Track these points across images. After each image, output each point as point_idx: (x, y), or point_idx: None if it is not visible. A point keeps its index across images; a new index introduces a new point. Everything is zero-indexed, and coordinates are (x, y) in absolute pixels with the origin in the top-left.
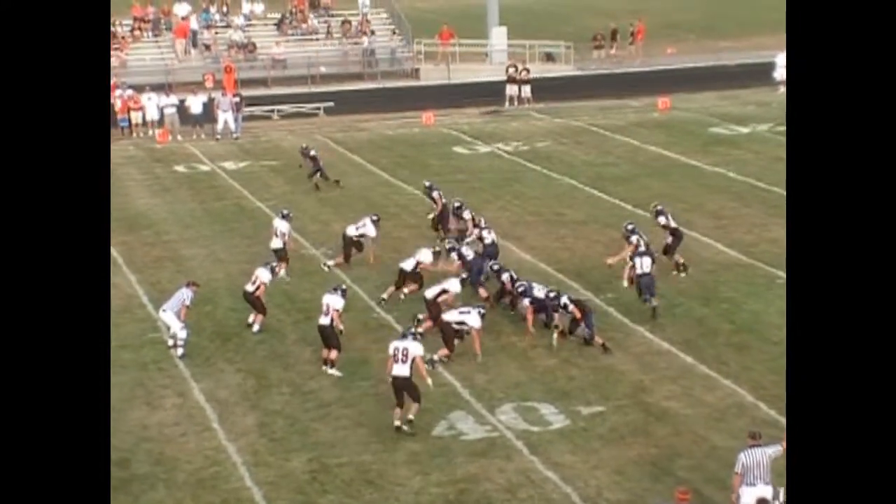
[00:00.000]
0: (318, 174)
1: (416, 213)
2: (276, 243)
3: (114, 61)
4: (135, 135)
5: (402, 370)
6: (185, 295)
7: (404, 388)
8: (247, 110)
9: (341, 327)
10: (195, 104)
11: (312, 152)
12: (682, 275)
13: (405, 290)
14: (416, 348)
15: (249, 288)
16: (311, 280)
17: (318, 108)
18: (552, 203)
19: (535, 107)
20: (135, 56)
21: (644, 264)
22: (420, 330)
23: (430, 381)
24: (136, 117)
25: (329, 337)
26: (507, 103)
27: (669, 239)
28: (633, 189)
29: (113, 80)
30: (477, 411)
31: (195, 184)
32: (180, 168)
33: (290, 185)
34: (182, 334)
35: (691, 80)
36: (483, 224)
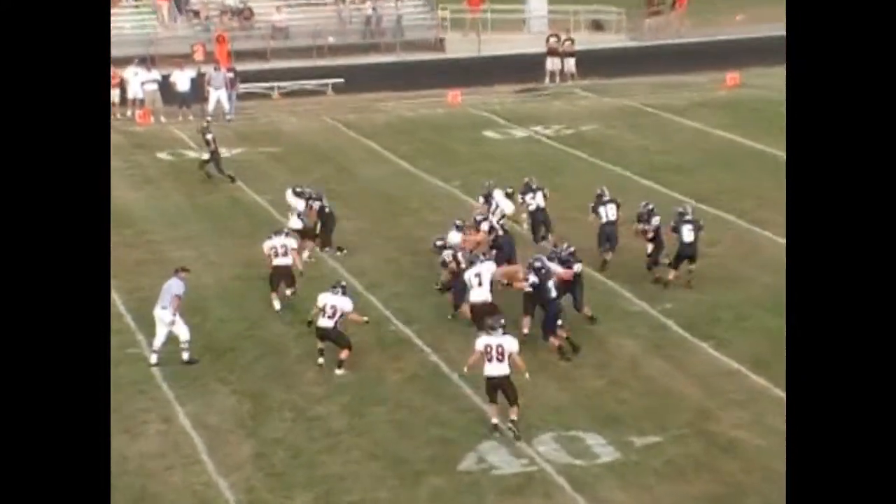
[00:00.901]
0: (213, 165)
1: (441, 208)
2: (295, 223)
3: None
4: (112, 116)
5: (499, 369)
6: (173, 286)
7: (502, 388)
8: (242, 87)
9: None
10: (182, 80)
11: (210, 135)
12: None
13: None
14: (511, 344)
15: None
16: (318, 287)
17: (326, 86)
18: None
19: (581, 83)
20: (114, 23)
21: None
22: (503, 321)
23: (527, 374)
24: (112, 95)
25: (336, 339)
26: (547, 79)
27: (650, 247)
28: (695, 181)
29: None
30: (510, 441)
31: (182, 174)
32: (164, 155)
33: (294, 176)
34: (185, 334)
35: (764, 51)
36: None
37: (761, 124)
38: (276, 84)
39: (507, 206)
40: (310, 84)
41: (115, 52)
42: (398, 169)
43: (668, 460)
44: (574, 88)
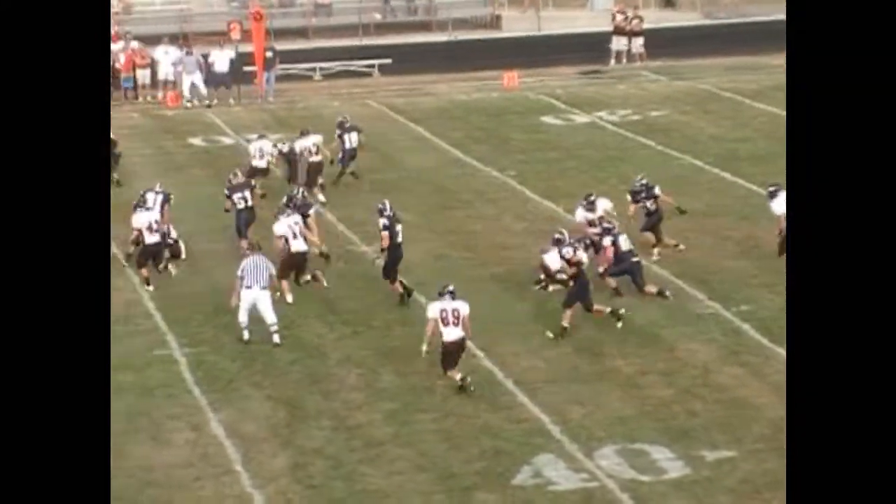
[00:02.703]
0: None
1: (495, 200)
2: (260, 163)
3: (116, 6)
4: (140, 98)
5: (456, 333)
6: (263, 264)
7: (459, 352)
8: (281, 68)
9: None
10: (221, 60)
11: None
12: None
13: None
14: (464, 307)
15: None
16: (357, 285)
17: (372, 67)
18: (669, 188)
19: (650, 65)
20: None
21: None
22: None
23: None
24: (142, 76)
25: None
26: (612, 61)
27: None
28: (774, 171)
29: (114, 30)
30: (570, 454)
31: (215, 161)
32: (197, 141)
33: (335, 164)
34: (272, 316)
35: None
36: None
37: None
38: (317, 65)
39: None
40: (354, 65)
41: (145, 29)
42: (449, 157)
43: (742, 477)
44: (642, 70)
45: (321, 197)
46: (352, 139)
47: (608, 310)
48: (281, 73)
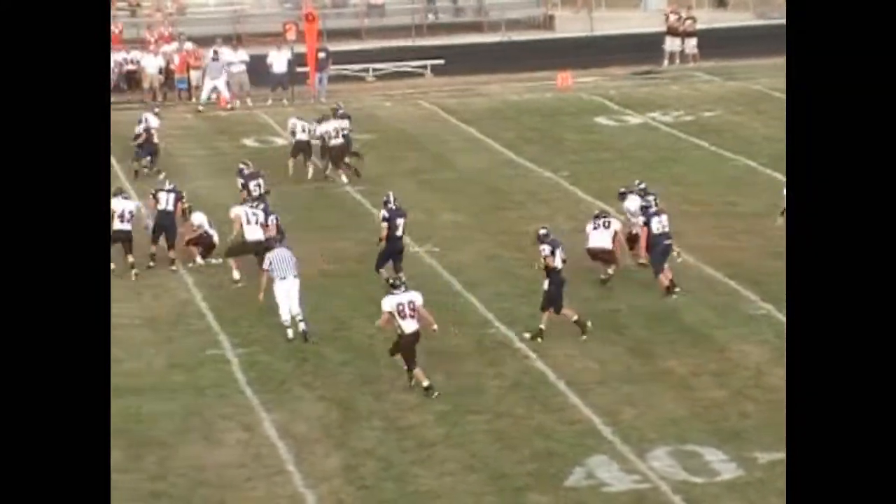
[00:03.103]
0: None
1: (548, 201)
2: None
3: (170, 6)
4: (194, 99)
5: (414, 325)
6: (288, 254)
7: (416, 345)
8: (333, 69)
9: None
10: (278, 61)
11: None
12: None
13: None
14: (418, 298)
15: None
16: (408, 285)
17: (425, 67)
18: (722, 190)
19: (703, 66)
20: (196, 0)
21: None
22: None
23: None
24: (196, 77)
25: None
26: (665, 61)
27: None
28: None
29: (169, 31)
30: (622, 456)
31: (268, 162)
32: (250, 142)
33: (386, 165)
34: (298, 307)
35: None
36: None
37: None
38: (370, 66)
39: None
40: (406, 66)
41: (199, 30)
42: (501, 158)
43: None
44: (695, 71)
45: (343, 178)
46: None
47: (575, 317)
48: (334, 74)
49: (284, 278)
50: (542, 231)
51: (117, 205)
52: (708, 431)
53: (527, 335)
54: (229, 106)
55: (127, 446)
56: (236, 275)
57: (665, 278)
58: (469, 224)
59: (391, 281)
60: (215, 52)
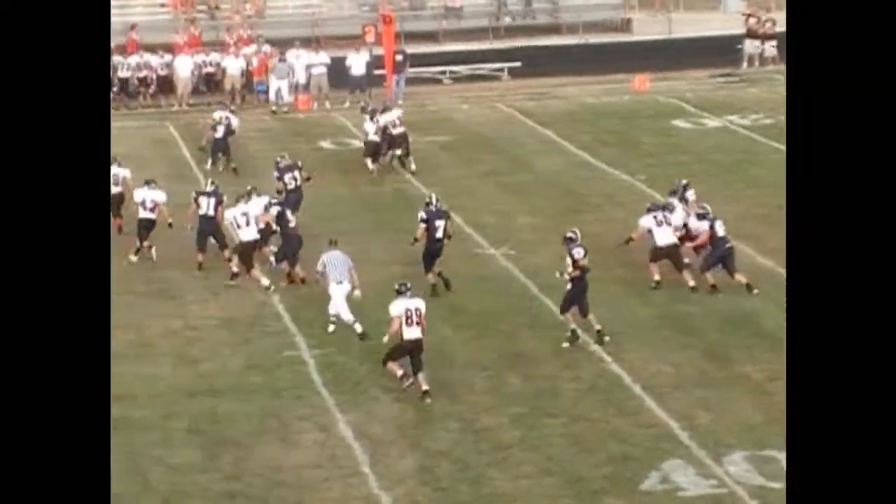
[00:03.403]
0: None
1: (624, 204)
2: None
3: (249, 10)
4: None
5: (417, 332)
6: (342, 257)
7: (417, 351)
8: (411, 72)
9: None
10: (357, 64)
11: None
12: None
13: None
14: (423, 304)
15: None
16: (483, 288)
17: (502, 70)
18: None
19: (782, 69)
20: (274, 3)
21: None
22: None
23: None
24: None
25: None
26: (744, 64)
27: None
28: None
29: (248, 34)
30: (699, 460)
31: (345, 164)
32: (326, 144)
33: (463, 167)
34: (349, 316)
35: None
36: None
37: None
38: (447, 68)
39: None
40: (484, 68)
41: (277, 33)
42: (578, 160)
43: None
44: (774, 74)
45: (413, 167)
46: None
47: (598, 327)
48: (410, 77)
49: (340, 283)
50: (570, 234)
51: (141, 194)
52: (784, 436)
53: (565, 345)
54: (314, 105)
55: (203, 446)
56: (265, 281)
57: (712, 278)
58: (545, 227)
59: (397, 286)
60: (281, 54)
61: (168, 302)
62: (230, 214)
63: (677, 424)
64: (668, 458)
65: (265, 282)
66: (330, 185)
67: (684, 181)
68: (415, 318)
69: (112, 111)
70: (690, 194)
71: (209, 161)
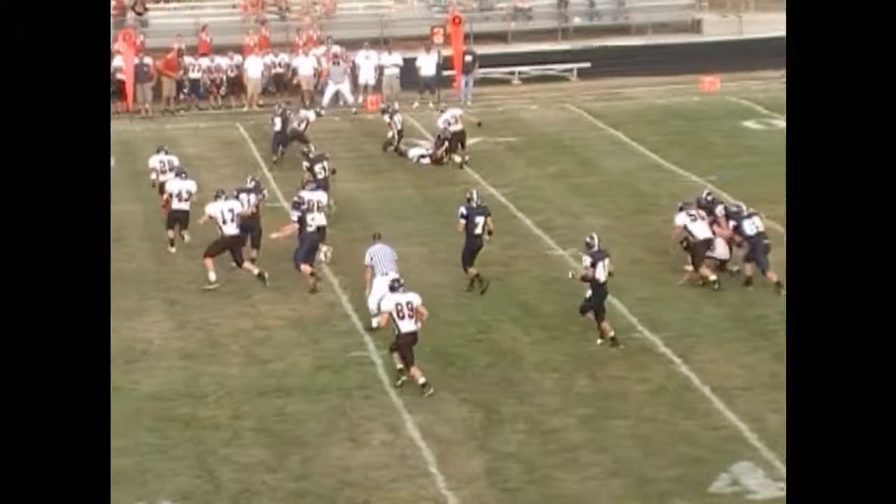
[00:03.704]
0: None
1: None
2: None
3: (319, 10)
4: (341, 102)
5: (412, 325)
6: (388, 249)
7: (414, 344)
8: (480, 72)
9: None
10: (427, 64)
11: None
12: None
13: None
14: (417, 298)
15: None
16: (554, 289)
17: (571, 70)
18: None
19: None
20: (344, 4)
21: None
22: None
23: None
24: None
25: None
26: None
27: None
28: None
29: (317, 35)
30: (768, 462)
31: (413, 166)
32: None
33: (533, 167)
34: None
35: None
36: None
37: None
38: (516, 69)
39: None
40: (552, 69)
41: (346, 34)
42: (647, 161)
43: None
44: None
45: (466, 158)
46: (398, 121)
47: (611, 333)
48: (480, 77)
49: (386, 274)
50: (588, 240)
51: (175, 185)
52: None
53: (599, 341)
54: (382, 105)
55: (272, 446)
56: (212, 276)
57: (774, 275)
58: (613, 227)
59: (390, 283)
60: (335, 56)
61: (238, 302)
62: (216, 209)
63: (747, 427)
64: (738, 461)
65: (213, 276)
66: (397, 187)
67: (711, 196)
68: (406, 312)
69: (183, 112)
70: (720, 210)
71: (275, 154)
